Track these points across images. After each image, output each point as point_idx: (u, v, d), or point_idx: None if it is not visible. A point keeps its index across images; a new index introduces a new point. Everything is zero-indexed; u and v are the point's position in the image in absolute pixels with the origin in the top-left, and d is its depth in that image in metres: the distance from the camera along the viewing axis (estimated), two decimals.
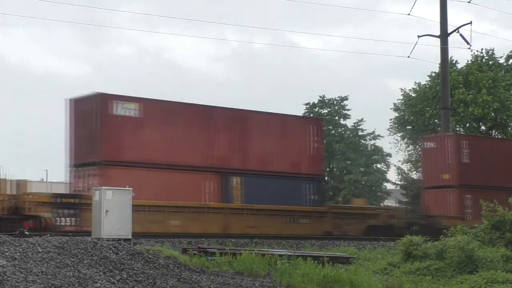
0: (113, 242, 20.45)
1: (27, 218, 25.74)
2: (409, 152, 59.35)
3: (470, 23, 43.28)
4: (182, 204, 29.13)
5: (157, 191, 28.80)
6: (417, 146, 58.94)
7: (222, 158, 31.47)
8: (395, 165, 59.92)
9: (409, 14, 45.83)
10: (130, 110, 29.32)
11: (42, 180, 64.82)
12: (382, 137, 61.64)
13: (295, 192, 32.89)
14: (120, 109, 29.04)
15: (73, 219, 26.70)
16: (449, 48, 43.21)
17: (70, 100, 30.06)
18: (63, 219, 26.47)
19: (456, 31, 43.27)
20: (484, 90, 50.44)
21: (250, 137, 32.53)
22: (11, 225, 24.86)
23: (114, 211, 22.04)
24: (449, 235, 25.83)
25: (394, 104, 58.96)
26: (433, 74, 54.71)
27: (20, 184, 26.88)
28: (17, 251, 17.81)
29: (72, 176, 29.74)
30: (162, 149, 29.88)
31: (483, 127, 53.27)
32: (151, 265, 19.42)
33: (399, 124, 56.95)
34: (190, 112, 31.56)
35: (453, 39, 50.23)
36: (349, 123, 62.97)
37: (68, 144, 29.81)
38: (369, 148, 62.39)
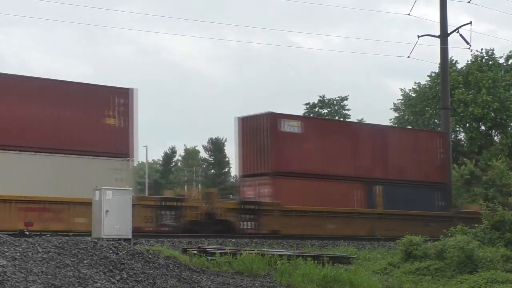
0: (113, 242, 20.46)
1: (218, 222, 29.94)
2: None
3: (470, 23, 43.26)
4: (336, 210, 33.12)
5: (315, 198, 32.67)
6: None
7: (367, 169, 35.40)
8: None
9: (409, 14, 45.88)
10: (294, 127, 33.47)
11: None
12: None
13: (426, 198, 37.16)
14: (286, 126, 33.16)
15: (253, 223, 31.08)
16: (449, 48, 43.18)
17: (239, 118, 33.88)
18: (245, 223, 30.94)
19: (456, 31, 43.24)
20: (484, 90, 50.38)
21: (389, 149, 36.72)
22: (205, 228, 29.12)
23: (114, 211, 22.07)
24: (449, 235, 25.86)
25: (394, 104, 59.00)
26: (433, 74, 54.67)
27: (212, 193, 31.42)
28: (17, 251, 17.82)
29: (242, 185, 33.91)
30: (319, 161, 33.78)
31: (483, 127, 53.23)
32: (151, 265, 19.43)
33: (399, 124, 56.89)
34: (341, 128, 37.44)
35: (453, 39, 50.27)
36: None
37: (238, 157, 33.90)
38: None
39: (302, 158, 33.27)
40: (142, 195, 33.84)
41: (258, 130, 32.92)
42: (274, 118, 32.89)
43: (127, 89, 29.17)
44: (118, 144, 28.28)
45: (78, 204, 25.81)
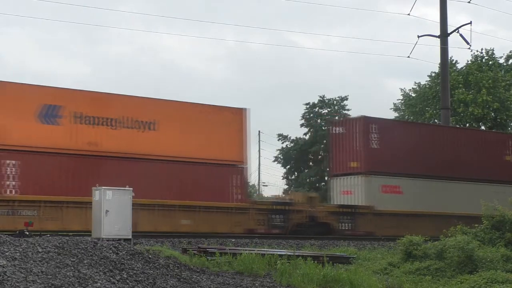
0: (113, 242, 20.46)
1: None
2: None
3: (470, 23, 43.32)
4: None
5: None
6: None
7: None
8: None
9: (409, 14, 45.93)
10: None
11: None
12: None
13: None
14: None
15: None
16: (449, 48, 43.21)
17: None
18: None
19: (456, 31, 43.29)
20: (484, 90, 50.44)
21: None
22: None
23: (114, 211, 22.07)
24: (449, 235, 25.85)
25: (394, 104, 59.06)
26: (433, 74, 54.71)
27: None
28: (17, 251, 17.82)
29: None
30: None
31: (483, 127, 53.27)
32: (151, 265, 19.43)
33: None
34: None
35: (453, 39, 50.31)
36: None
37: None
38: None
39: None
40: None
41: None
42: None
43: None
44: None
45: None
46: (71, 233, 24.16)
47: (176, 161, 29.05)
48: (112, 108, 28.26)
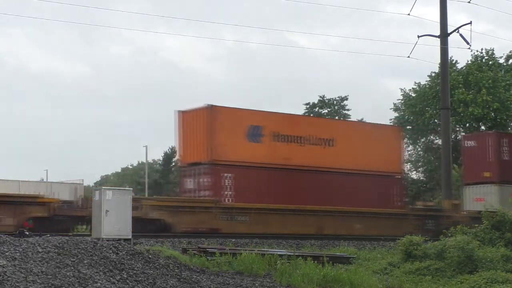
0: (113, 242, 20.45)
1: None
2: (409, 152, 59.37)
3: (470, 23, 43.20)
4: None
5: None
6: (417, 146, 58.89)
7: None
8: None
9: (409, 14, 45.88)
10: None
11: (42, 180, 64.89)
12: None
13: None
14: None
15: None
16: (449, 48, 43.16)
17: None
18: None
19: (456, 31, 43.21)
20: (484, 90, 50.44)
21: None
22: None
23: (114, 211, 22.07)
24: (449, 235, 25.85)
25: (394, 104, 59.03)
26: (433, 74, 54.70)
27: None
28: (17, 251, 17.82)
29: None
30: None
31: (483, 127, 53.27)
32: (151, 265, 19.42)
33: (399, 124, 56.93)
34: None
35: (453, 39, 50.22)
36: None
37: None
38: None
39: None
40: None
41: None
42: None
43: None
44: None
45: None
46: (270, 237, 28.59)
47: (350, 173, 33.14)
48: (300, 128, 32.82)
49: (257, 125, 31.18)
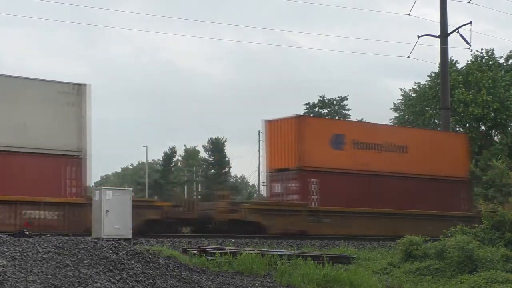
0: (113, 242, 20.46)
1: None
2: None
3: (470, 23, 43.31)
4: None
5: None
6: None
7: None
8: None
9: (409, 14, 45.96)
10: None
11: None
12: None
13: None
14: None
15: None
16: (449, 48, 43.18)
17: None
18: None
19: (456, 31, 43.26)
20: (484, 90, 50.36)
21: None
22: None
23: (114, 211, 22.08)
24: (449, 234, 25.85)
25: (394, 104, 58.96)
26: (433, 74, 54.65)
27: None
28: (17, 251, 17.82)
29: None
30: None
31: (483, 127, 53.22)
32: (151, 265, 19.43)
33: (399, 124, 56.89)
34: None
35: (453, 39, 50.28)
36: None
37: None
38: None
39: None
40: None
41: None
42: None
43: None
44: None
45: None
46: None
47: (421, 178, 35.41)
48: (377, 136, 35.20)
49: (340, 133, 33.90)
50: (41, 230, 24.67)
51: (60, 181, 27.44)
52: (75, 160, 27.86)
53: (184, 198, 36.42)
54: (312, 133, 32.88)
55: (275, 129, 33.52)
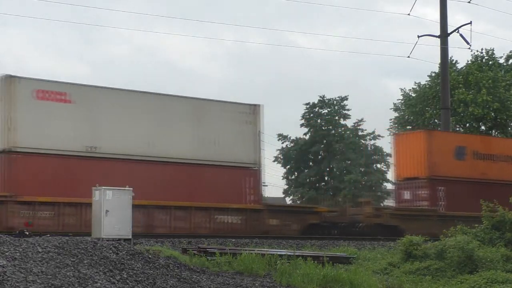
0: (113, 242, 20.45)
1: None
2: None
3: (470, 23, 43.29)
4: None
5: None
6: None
7: None
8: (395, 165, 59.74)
9: (409, 14, 45.99)
10: None
11: None
12: (382, 137, 61.74)
13: None
14: None
15: None
16: (449, 48, 43.19)
17: None
18: None
19: (456, 31, 43.26)
20: (484, 90, 50.42)
21: None
22: None
23: (114, 211, 22.07)
24: (449, 235, 25.84)
25: (394, 104, 58.97)
26: (433, 74, 54.67)
27: None
28: (17, 251, 17.82)
29: None
30: None
31: (483, 127, 53.27)
32: (151, 265, 19.42)
33: (399, 124, 56.91)
34: None
35: (453, 39, 50.24)
36: (349, 123, 62.98)
37: None
38: (369, 148, 62.37)
39: None
40: None
41: None
42: None
43: None
44: None
45: None
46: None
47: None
48: (493, 147, 38.97)
49: (462, 145, 37.66)
50: (226, 233, 28.72)
51: (241, 189, 31.54)
52: (253, 171, 31.98)
53: (340, 204, 40.26)
54: (439, 145, 36.71)
55: (403, 142, 37.67)
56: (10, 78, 26.65)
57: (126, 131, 28.99)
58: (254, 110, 32.38)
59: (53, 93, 27.61)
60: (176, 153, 29.93)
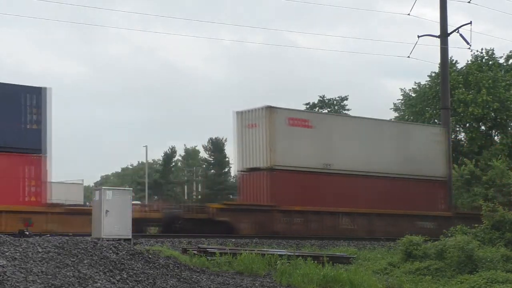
0: (113, 242, 20.45)
1: None
2: None
3: (470, 23, 43.18)
4: None
5: None
6: None
7: None
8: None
9: (408, 14, 46.01)
10: None
11: None
12: None
13: None
14: None
15: None
16: (449, 48, 43.14)
17: None
18: None
19: (456, 31, 43.20)
20: (484, 90, 50.37)
21: None
22: None
23: (114, 211, 22.06)
24: (449, 235, 25.85)
25: (394, 104, 58.99)
26: (433, 74, 54.65)
27: None
28: (17, 251, 17.82)
29: None
30: None
31: (483, 127, 53.23)
32: (151, 265, 19.43)
33: None
34: None
35: (453, 39, 50.20)
36: None
37: None
38: None
39: None
40: None
41: None
42: None
43: None
44: None
45: None
46: None
47: None
48: None
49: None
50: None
51: (435, 200, 37.09)
52: (443, 183, 37.77)
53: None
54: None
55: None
56: (270, 109, 32.16)
57: (353, 150, 34.41)
58: (444, 132, 38.66)
59: (299, 120, 33.31)
60: (386, 169, 35.43)
